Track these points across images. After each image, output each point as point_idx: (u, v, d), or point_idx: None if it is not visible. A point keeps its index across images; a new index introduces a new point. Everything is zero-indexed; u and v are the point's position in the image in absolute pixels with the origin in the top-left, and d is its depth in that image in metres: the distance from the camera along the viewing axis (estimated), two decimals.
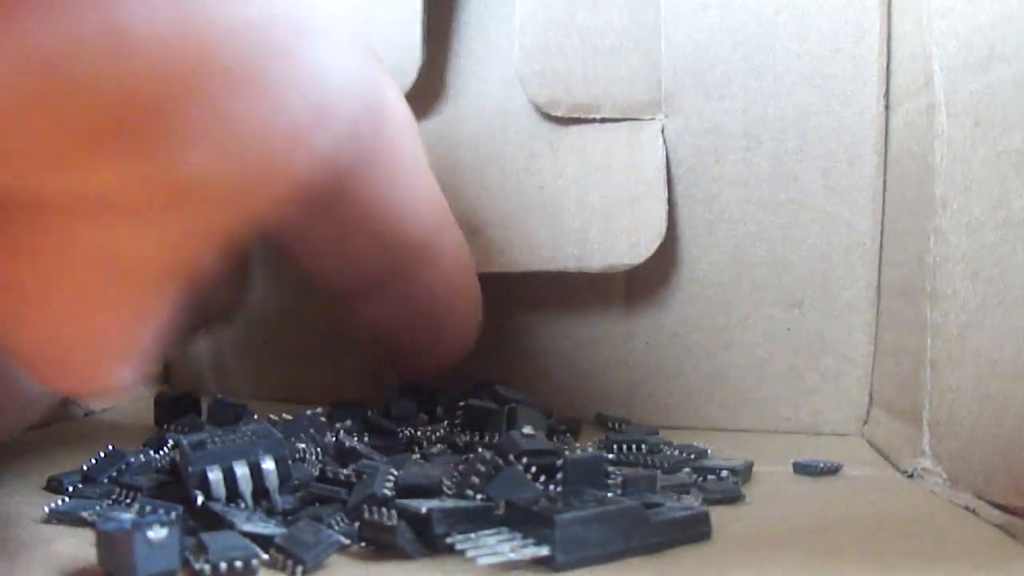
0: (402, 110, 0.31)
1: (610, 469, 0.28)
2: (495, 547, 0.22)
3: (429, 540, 0.23)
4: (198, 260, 0.22)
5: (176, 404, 0.36)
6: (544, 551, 0.22)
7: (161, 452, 0.30)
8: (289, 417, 0.31)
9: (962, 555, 0.23)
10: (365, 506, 0.23)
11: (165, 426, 0.34)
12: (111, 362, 0.23)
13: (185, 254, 0.21)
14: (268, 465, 0.25)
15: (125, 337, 0.23)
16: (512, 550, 0.22)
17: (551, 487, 0.26)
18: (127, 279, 0.21)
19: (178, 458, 0.26)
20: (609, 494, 0.25)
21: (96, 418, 0.40)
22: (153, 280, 0.22)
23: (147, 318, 0.22)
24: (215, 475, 0.24)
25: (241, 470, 0.24)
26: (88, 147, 0.18)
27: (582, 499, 0.24)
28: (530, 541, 0.22)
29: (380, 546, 0.23)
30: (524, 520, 0.23)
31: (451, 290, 0.35)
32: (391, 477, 0.25)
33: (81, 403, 0.40)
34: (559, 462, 0.26)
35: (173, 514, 0.23)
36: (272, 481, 0.25)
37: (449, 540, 0.22)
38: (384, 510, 0.23)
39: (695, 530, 0.24)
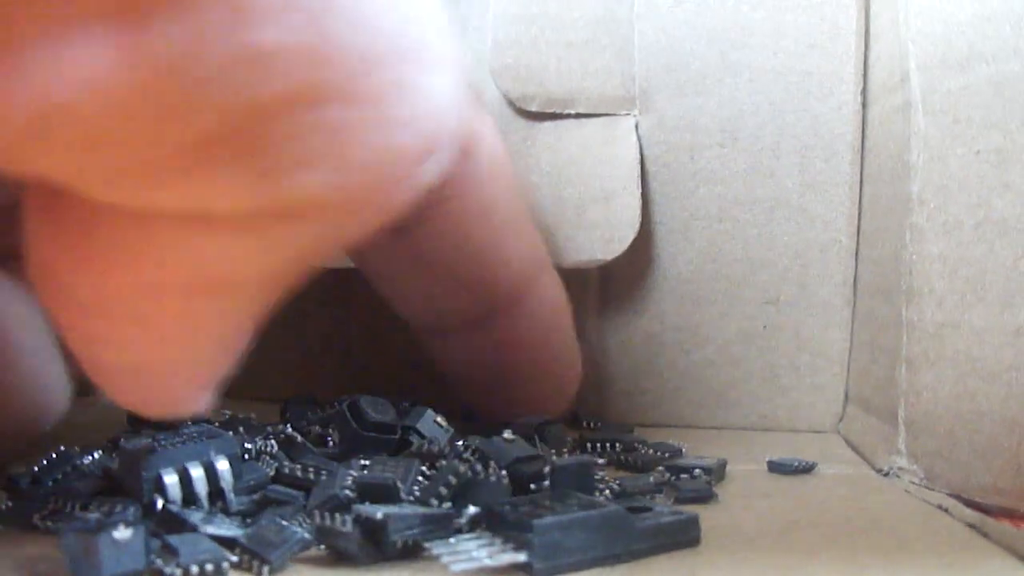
0: (498, 149, 0.30)
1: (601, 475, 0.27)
2: (471, 552, 0.21)
3: (384, 546, 0.22)
4: (292, 277, 0.22)
5: None
6: (521, 557, 0.21)
7: (114, 454, 0.29)
8: (228, 413, 0.31)
9: (933, 554, 0.23)
10: (321, 511, 0.23)
11: (138, 427, 0.34)
12: (198, 382, 0.23)
13: (284, 269, 0.21)
14: (223, 465, 0.24)
15: (217, 356, 0.22)
16: (489, 556, 0.21)
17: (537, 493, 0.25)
18: (227, 294, 0.21)
19: (117, 464, 0.25)
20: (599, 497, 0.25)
21: (70, 418, 0.39)
22: (251, 296, 0.21)
23: (238, 337, 0.22)
24: (171, 478, 0.24)
25: (196, 471, 0.24)
26: (200, 156, 0.17)
27: (565, 503, 0.23)
28: (508, 546, 0.21)
29: (336, 551, 0.22)
30: (503, 525, 0.22)
31: (541, 344, 0.33)
32: (350, 478, 0.25)
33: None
34: (546, 468, 0.26)
35: (132, 509, 0.23)
36: (227, 481, 0.24)
37: (427, 545, 0.22)
38: (338, 515, 0.22)
39: (683, 536, 0.23)
